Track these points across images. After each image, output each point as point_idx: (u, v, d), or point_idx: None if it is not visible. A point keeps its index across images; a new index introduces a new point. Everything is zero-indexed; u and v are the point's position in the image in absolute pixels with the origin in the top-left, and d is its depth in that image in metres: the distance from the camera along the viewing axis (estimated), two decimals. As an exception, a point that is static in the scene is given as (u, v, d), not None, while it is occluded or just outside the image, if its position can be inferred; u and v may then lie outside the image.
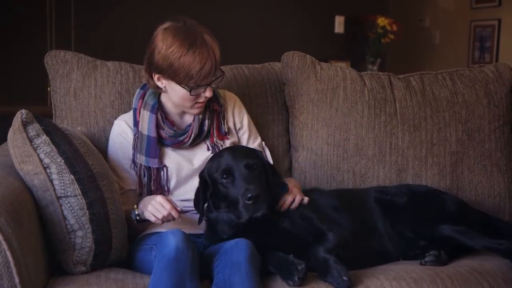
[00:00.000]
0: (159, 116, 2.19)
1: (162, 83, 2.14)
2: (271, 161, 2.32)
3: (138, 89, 2.26)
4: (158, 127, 2.18)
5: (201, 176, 2.08)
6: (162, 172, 2.18)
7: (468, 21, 6.47)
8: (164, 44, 2.07)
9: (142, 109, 2.19)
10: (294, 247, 1.94)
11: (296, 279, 1.79)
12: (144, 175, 2.17)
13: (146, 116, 2.18)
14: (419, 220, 2.14)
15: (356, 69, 2.61)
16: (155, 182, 2.17)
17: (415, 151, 2.47)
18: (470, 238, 2.07)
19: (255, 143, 2.34)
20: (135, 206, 2.08)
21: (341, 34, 5.89)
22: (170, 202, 2.00)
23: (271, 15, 5.52)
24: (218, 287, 1.79)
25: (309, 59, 2.54)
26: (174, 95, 2.14)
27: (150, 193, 2.17)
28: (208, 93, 2.11)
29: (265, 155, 2.30)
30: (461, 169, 2.48)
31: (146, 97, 2.21)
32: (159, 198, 2.00)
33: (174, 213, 1.97)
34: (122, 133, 2.22)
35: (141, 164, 2.17)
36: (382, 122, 2.48)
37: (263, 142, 2.38)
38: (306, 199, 2.12)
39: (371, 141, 2.46)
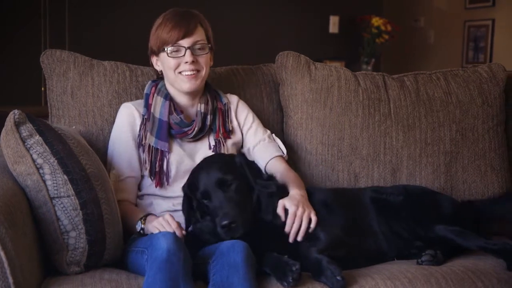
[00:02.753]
0: (172, 104, 2.25)
1: (158, 65, 2.27)
2: (284, 150, 2.36)
3: (150, 81, 2.33)
4: (169, 113, 2.23)
5: (184, 191, 2.09)
6: (164, 159, 2.20)
7: (462, 21, 6.49)
8: (155, 24, 2.25)
9: (155, 94, 2.26)
10: (287, 247, 1.94)
11: (291, 280, 1.79)
12: (149, 157, 2.19)
13: (159, 101, 2.25)
14: (415, 220, 2.14)
15: (351, 69, 2.61)
16: (158, 166, 2.19)
17: (409, 150, 2.47)
18: (465, 238, 2.08)
19: (264, 135, 2.36)
20: (142, 219, 2.07)
21: (336, 34, 5.90)
22: (176, 222, 2.00)
23: (266, 16, 5.52)
24: None
25: (303, 59, 2.54)
26: (164, 70, 2.24)
27: (154, 176, 2.19)
28: (187, 58, 2.18)
29: (278, 145, 2.36)
30: (455, 168, 2.48)
31: (159, 86, 2.29)
32: (167, 216, 2.00)
33: (178, 233, 1.94)
34: (130, 115, 2.26)
35: (149, 145, 2.20)
36: (376, 121, 2.48)
37: (273, 134, 2.41)
38: (313, 218, 2.01)
39: (365, 141, 2.46)
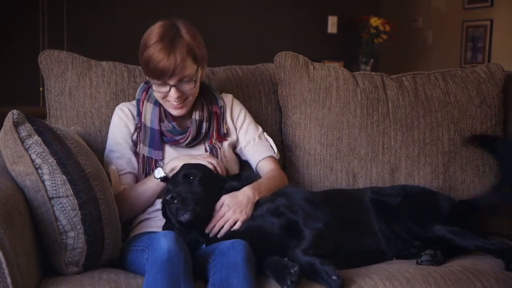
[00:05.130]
0: (162, 110, 2.23)
1: (147, 78, 2.21)
2: (275, 149, 2.36)
3: (143, 83, 2.30)
4: (160, 120, 2.21)
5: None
6: (158, 165, 2.20)
7: (461, 21, 6.50)
8: (144, 36, 2.15)
9: (145, 101, 2.23)
10: (277, 248, 1.93)
11: (289, 283, 1.77)
12: (144, 166, 2.20)
13: (149, 108, 2.22)
14: (413, 221, 2.14)
15: (349, 69, 2.61)
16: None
17: (407, 150, 2.48)
18: (463, 238, 2.08)
19: (255, 135, 2.36)
20: (160, 167, 2.15)
21: (334, 34, 5.90)
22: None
23: (265, 16, 5.52)
24: None
25: (302, 59, 2.54)
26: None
27: None
28: (172, 94, 2.13)
29: (270, 144, 2.37)
30: (454, 168, 2.49)
31: (150, 91, 2.25)
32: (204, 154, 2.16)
33: (219, 166, 2.06)
34: (125, 118, 2.25)
35: (143, 155, 2.20)
36: (374, 121, 2.48)
37: (265, 133, 2.40)
38: (237, 224, 2.01)
39: (363, 141, 2.47)
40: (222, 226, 2.01)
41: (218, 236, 2.00)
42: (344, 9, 5.90)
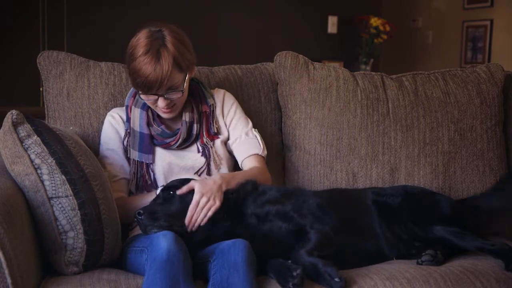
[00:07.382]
0: (150, 114, 2.22)
1: None
2: (261, 146, 2.32)
3: (132, 89, 2.28)
4: (148, 124, 2.21)
5: None
6: (150, 169, 2.20)
7: (461, 21, 6.50)
8: (131, 43, 2.13)
9: (133, 107, 2.23)
10: (280, 250, 1.92)
11: (291, 286, 1.76)
12: (136, 170, 2.20)
13: (137, 113, 2.22)
14: (413, 221, 2.14)
15: (349, 69, 2.61)
16: (144, 178, 2.19)
17: (407, 150, 2.47)
18: (463, 239, 2.08)
19: (242, 132, 2.32)
20: (161, 186, 2.12)
21: (334, 35, 5.90)
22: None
23: (265, 16, 5.52)
24: None
25: (302, 59, 2.54)
26: None
27: (140, 188, 2.20)
28: (160, 103, 2.13)
29: (258, 141, 2.32)
30: (454, 168, 2.49)
31: (138, 95, 2.23)
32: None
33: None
34: (116, 124, 2.25)
35: (134, 159, 2.20)
36: (374, 121, 2.48)
37: (254, 129, 2.36)
38: (212, 210, 1.97)
39: (363, 141, 2.46)
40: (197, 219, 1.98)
41: (194, 229, 1.96)
42: (344, 9, 5.90)
